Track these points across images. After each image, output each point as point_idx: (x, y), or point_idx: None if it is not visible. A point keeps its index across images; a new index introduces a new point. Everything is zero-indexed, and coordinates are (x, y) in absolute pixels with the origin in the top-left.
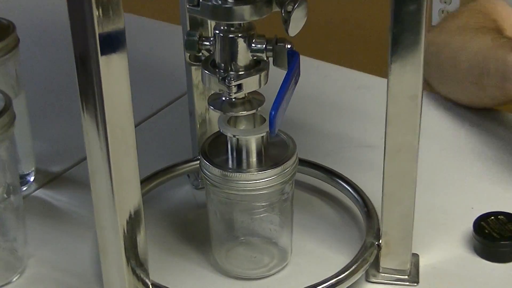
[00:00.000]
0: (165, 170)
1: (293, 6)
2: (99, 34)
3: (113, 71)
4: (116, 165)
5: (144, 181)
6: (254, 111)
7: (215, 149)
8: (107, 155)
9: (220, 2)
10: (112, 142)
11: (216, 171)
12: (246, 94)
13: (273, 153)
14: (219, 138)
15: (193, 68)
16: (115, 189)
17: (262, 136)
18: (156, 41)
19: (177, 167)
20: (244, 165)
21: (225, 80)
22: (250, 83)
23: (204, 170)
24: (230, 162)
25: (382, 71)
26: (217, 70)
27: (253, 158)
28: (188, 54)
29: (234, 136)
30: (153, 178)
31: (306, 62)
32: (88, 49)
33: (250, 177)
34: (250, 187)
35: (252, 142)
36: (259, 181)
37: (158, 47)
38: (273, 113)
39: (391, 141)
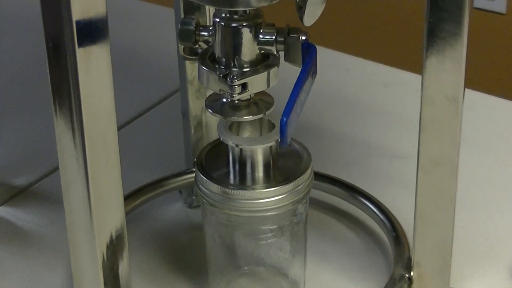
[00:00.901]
0: (152, 184)
1: None
2: (76, 21)
3: (93, 65)
4: (95, 178)
5: (128, 198)
6: (261, 115)
7: (214, 160)
8: (84, 166)
9: None
10: (91, 150)
11: (215, 187)
12: (251, 95)
13: (283, 166)
14: (218, 148)
15: (187, 61)
16: (93, 207)
17: (271, 146)
18: (143, 27)
19: (167, 181)
20: (249, 180)
21: (226, 78)
22: (257, 82)
23: (200, 185)
24: (231, 176)
25: (415, 66)
26: (217, 66)
27: (260, 172)
28: (182, 46)
29: (236, 145)
30: (138, 194)
31: (324, 55)
32: (62, 39)
33: (256, 195)
34: (255, 207)
35: (259, 153)
36: (266, 199)
37: (146, 35)
38: (284, 119)
39: (425, 151)
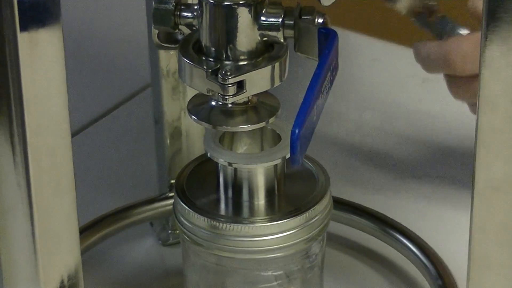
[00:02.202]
0: (115, 214)
1: None
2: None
3: (40, 56)
4: (42, 207)
5: (83, 231)
6: (262, 124)
7: (199, 184)
8: (27, 191)
9: None
10: (36, 170)
11: (201, 220)
12: (250, 97)
13: (292, 192)
14: (204, 166)
15: (161, 51)
16: (39, 245)
17: (276, 165)
18: (104, 7)
19: (134, 210)
20: (246, 211)
21: (217, 74)
22: (257, 80)
23: (181, 217)
24: (223, 206)
25: None
26: (204, 58)
27: (261, 200)
28: (157, 31)
29: (229, 164)
30: (97, 227)
31: (346, 39)
32: (0, 21)
33: (256, 230)
34: (255, 246)
35: (259, 175)
36: (270, 237)
37: (108, 16)
38: (296, 131)
39: (483, 172)
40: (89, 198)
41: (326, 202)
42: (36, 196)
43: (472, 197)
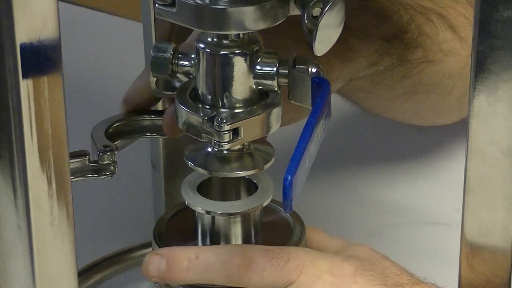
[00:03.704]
0: (112, 258)
1: (323, 9)
2: (21, 46)
3: (41, 102)
4: (43, 250)
5: (82, 274)
6: (257, 170)
7: (177, 231)
8: (28, 235)
9: (207, 0)
10: (37, 214)
11: None
12: (245, 144)
13: (268, 241)
14: (184, 214)
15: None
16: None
17: (253, 214)
18: (103, 47)
19: (131, 254)
20: None
21: (213, 122)
22: (252, 127)
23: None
24: None
25: None
26: (200, 105)
27: None
28: (155, 79)
29: (207, 212)
30: (95, 270)
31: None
32: (3, 68)
33: None
34: None
35: (236, 223)
36: None
37: (106, 63)
38: (289, 177)
39: (471, 219)
40: (87, 241)
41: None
42: (36, 239)
43: (461, 243)
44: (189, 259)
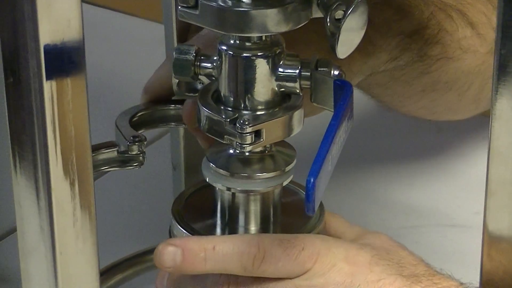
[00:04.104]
0: (133, 258)
1: (345, 12)
2: (44, 48)
3: (64, 104)
4: (65, 251)
5: (103, 274)
6: (279, 173)
7: (196, 208)
8: (50, 236)
9: (230, 2)
10: (59, 216)
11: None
12: (267, 146)
13: (287, 221)
14: (203, 191)
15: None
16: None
17: (273, 192)
18: (126, 55)
19: (151, 255)
20: None
21: (235, 124)
22: (274, 129)
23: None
24: (219, 230)
25: None
26: (222, 107)
27: (255, 226)
28: (177, 80)
29: (228, 189)
30: (116, 270)
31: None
32: (27, 70)
33: None
34: None
35: (255, 201)
36: None
37: (129, 66)
38: (312, 180)
39: (493, 222)
40: (108, 242)
41: (320, 230)
42: (58, 240)
43: (482, 246)
44: (206, 250)
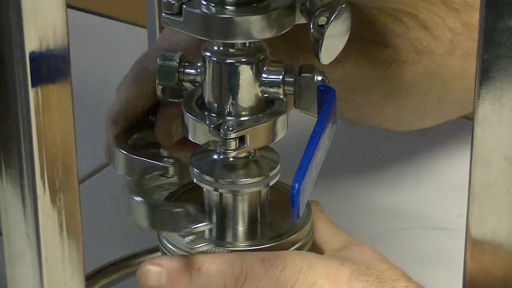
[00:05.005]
0: (119, 262)
1: (329, 18)
2: (30, 55)
3: (50, 111)
4: (50, 257)
5: (89, 279)
6: (262, 178)
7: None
8: (36, 242)
9: (214, 9)
10: (45, 222)
11: (183, 242)
12: (251, 152)
13: (275, 220)
14: (191, 192)
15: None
16: None
17: (260, 192)
18: (111, 59)
19: (138, 259)
20: (229, 236)
21: (219, 129)
22: (258, 135)
23: (164, 240)
24: (206, 230)
25: None
26: (206, 113)
27: (243, 226)
28: (161, 87)
29: (215, 189)
30: (102, 275)
31: None
32: (12, 78)
33: None
34: None
35: (243, 201)
36: None
37: (113, 70)
38: (296, 186)
39: (475, 225)
40: (93, 247)
41: (307, 229)
42: (44, 247)
43: (465, 249)
44: (192, 271)
